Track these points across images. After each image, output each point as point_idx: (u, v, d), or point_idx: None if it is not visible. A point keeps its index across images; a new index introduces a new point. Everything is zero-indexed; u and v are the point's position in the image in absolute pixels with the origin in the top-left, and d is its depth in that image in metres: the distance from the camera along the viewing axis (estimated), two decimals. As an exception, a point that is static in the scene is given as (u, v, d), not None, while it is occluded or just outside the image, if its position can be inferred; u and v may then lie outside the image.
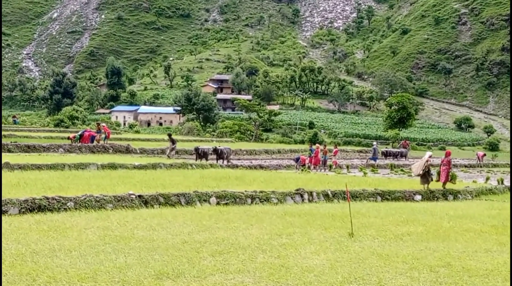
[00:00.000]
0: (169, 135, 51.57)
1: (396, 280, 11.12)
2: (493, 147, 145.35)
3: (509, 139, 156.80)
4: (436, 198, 27.84)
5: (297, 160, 48.61)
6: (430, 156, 30.37)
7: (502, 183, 35.72)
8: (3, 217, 15.59)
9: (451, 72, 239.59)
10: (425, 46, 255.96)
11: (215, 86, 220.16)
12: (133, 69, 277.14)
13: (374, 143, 62.58)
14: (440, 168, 30.84)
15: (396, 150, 69.66)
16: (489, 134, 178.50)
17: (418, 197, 27.19)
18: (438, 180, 30.15)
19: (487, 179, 36.07)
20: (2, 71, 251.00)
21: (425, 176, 29.40)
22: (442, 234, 16.40)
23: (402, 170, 48.86)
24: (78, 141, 49.52)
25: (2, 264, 10.84)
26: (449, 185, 29.79)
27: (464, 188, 30.53)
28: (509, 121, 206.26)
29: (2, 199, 16.84)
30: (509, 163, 73.05)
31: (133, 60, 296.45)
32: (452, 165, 30.56)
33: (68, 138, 52.98)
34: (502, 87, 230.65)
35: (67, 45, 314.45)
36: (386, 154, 65.19)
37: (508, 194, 32.13)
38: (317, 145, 51.67)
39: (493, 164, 65.78)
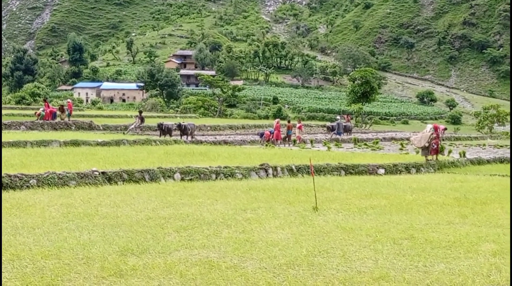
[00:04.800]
0: (140, 112, 51.29)
1: (360, 252, 11.19)
2: (455, 120, 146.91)
3: (470, 111, 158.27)
4: (399, 172, 28.07)
5: (261, 135, 48.60)
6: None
7: (464, 156, 36.07)
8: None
9: (413, 46, 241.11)
10: (387, 20, 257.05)
11: (178, 62, 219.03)
12: (95, 45, 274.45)
13: (338, 117, 62.82)
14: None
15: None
16: (451, 107, 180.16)
17: (381, 170, 27.38)
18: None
19: (449, 152, 36.36)
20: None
21: (428, 148, 31.59)
22: (405, 207, 16.53)
23: (365, 144, 49.08)
24: (43, 118, 49.11)
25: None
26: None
27: (426, 161, 30.84)
28: (471, 94, 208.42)
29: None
30: (470, 136, 73.77)
31: (95, 36, 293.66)
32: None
33: (35, 113, 52.56)
34: (464, 61, 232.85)
35: (27, 21, 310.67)
36: (331, 129, 64.66)
37: (470, 167, 32.50)
38: (277, 119, 51.68)
39: (455, 137, 66.29)
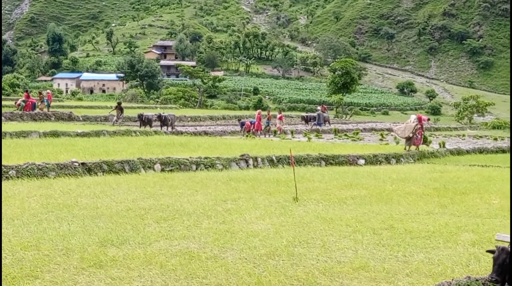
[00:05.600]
0: (119, 103, 51.02)
1: (340, 242, 11.23)
2: (435, 111, 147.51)
3: (450, 102, 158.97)
4: (379, 162, 28.14)
5: (242, 124, 48.48)
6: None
7: (444, 146, 36.24)
8: None
9: (393, 37, 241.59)
10: (367, 11, 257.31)
11: (158, 53, 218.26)
12: (75, 36, 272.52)
13: (319, 108, 62.76)
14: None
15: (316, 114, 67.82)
16: (431, 98, 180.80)
17: (362, 161, 27.45)
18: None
19: (429, 142, 36.52)
20: None
21: (411, 138, 31.91)
22: (385, 197, 16.60)
23: (346, 135, 49.17)
24: (23, 108, 48.75)
25: None
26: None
27: (406, 152, 30.97)
28: (450, 85, 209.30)
29: None
30: (450, 126, 74.13)
31: (74, 26, 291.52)
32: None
33: (15, 103, 52.19)
34: (444, 51, 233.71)
35: (6, 12, 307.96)
36: (306, 119, 64.36)
37: (450, 157, 32.67)
38: (258, 110, 51.63)
39: (435, 127, 66.58)
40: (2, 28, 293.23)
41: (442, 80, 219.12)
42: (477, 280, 8.24)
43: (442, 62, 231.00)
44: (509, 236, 8.47)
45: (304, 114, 75.36)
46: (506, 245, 8.09)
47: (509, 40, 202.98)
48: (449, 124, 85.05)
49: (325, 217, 13.44)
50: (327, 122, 60.22)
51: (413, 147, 32.31)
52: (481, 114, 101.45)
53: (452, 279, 8.53)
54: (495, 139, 50.50)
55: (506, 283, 7.92)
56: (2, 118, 43.98)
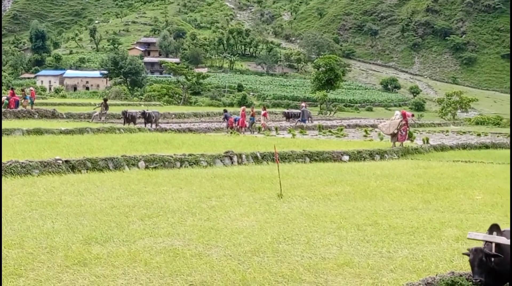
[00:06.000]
0: (105, 99, 50.88)
1: (325, 239, 11.25)
2: (419, 107, 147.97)
3: (434, 98, 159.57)
4: (363, 158, 28.20)
5: (226, 117, 48.40)
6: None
7: (428, 142, 36.39)
8: None
9: (377, 33, 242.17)
10: (351, 7, 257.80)
11: (142, 49, 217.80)
12: (58, 33, 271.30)
13: (303, 104, 62.78)
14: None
15: (298, 111, 67.77)
16: (415, 94, 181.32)
17: (346, 157, 27.50)
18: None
19: (414, 138, 36.68)
20: None
21: (396, 135, 32.27)
22: (369, 194, 16.64)
23: (330, 131, 49.26)
24: (7, 106, 48.47)
25: None
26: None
27: (390, 148, 31.05)
28: (434, 81, 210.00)
29: None
30: (434, 122, 74.41)
31: (57, 23, 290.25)
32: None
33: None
34: (427, 47, 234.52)
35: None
36: (288, 116, 64.32)
37: (434, 153, 32.77)
38: (243, 107, 51.60)
39: (419, 123, 66.82)
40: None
41: (425, 76, 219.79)
42: (461, 276, 8.28)
43: (425, 58, 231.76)
44: (480, 234, 8.52)
45: (285, 110, 75.36)
46: (481, 244, 8.14)
47: (509, 39, 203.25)
48: (432, 120, 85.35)
49: (310, 214, 13.46)
50: (310, 118, 60.24)
51: (397, 143, 32.44)
52: (464, 110, 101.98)
53: (436, 275, 8.57)
54: (479, 135, 50.82)
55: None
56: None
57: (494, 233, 8.14)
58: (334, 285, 8.66)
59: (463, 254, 8.37)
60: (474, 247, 8.02)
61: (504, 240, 8.02)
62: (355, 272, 9.23)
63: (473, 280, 7.83)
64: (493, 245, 7.97)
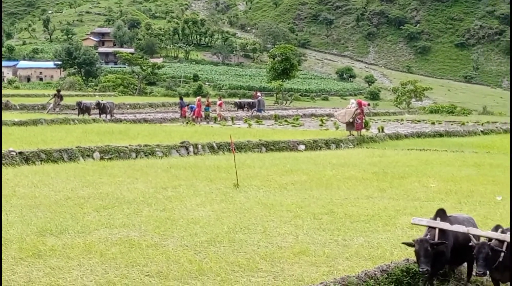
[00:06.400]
0: (58, 91, 50.31)
1: (281, 228, 11.30)
2: (374, 96, 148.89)
3: (389, 87, 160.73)
4: (319, 147, 28.33)
5: (181, 105, 48.21)
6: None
7: (383, 131, 36.66)
8: None
9: (332, 22, 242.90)
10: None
11: (96, 40, 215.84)
12: (11, 23, 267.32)
13: (258, 94, 62.74)
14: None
15: (250, 100, 67.52)
16: (370, 83, 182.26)
17: (302, 147, 27.60)
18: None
19: (369, 127, 36.90)
20: None
21: (352, 123, 32.47)
22: (325, 182, 16.73)
23: (286, 120, 49.36)
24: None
25: None
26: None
27: (346, 137, 31.23)
28: (389, 70, 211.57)
29: None
30: (389, 111, 74.97)
31: (10, 14, 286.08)
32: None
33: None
34: (382, 37, 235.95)
35: None
36: (240, 106, 64.11)
37: (389, 142, 33.05)
38: (198, 97, 51.41)
39: (374, 112, 67.24)
40: None
41: (380, 65, 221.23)
42: (415, 262, 8.37)
43: (380, 47, 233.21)
44: (424, 219, 8.65)
45: (237, 100, 75.21)
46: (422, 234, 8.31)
47: (509, 40, 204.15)
48: (387, 109, 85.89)
49: (266, 203, 13.50)
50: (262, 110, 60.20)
51: (354, 132, 32.63)
52: (419, 98, 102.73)
53: (391, 262, 8.66)
54: (433, 123, 51.31)
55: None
56: None
57: (438, 218, 8.26)
58: (290, 274, 8.70)
59: (404, 243, 8.49)
60: (419, 238, 8.15)
61: (448, 226, 8.15)
62: (311, 260, 9.27)
63: (420, 270, 7.94)
64: (437, 230, 8.11)
